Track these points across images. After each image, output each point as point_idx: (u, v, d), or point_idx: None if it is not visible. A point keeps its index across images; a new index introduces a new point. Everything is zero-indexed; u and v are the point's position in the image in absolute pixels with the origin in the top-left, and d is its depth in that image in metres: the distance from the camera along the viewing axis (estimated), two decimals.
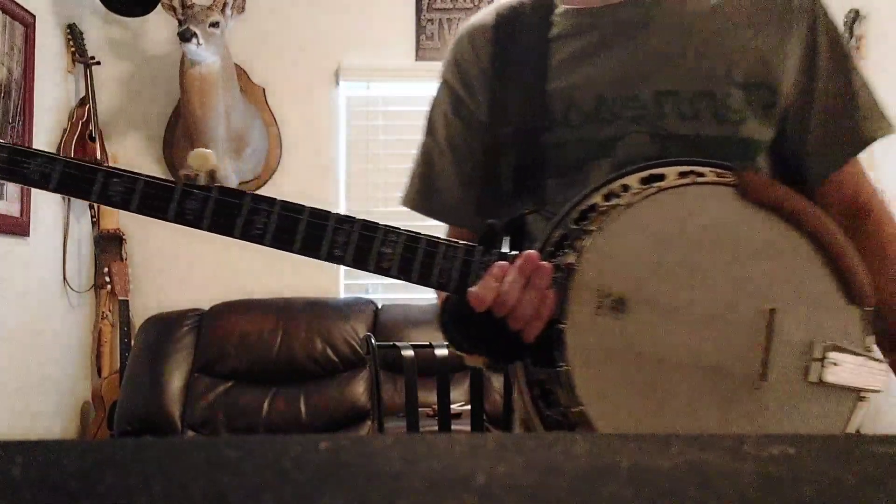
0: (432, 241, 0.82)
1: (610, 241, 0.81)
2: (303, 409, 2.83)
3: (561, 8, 0.98)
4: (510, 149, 0.94)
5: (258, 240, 0.80)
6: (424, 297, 3.20)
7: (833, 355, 0.85)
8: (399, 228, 0.81)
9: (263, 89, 3.27)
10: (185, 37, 2.76)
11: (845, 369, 0.85)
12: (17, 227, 2.67)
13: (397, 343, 2.00)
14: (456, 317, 0.85)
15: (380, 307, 3.12)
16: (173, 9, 2.89)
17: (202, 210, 0.80)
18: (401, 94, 3.38)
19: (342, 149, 3.33)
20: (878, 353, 0.88)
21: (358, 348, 2.91)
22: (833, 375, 0.84)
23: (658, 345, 0.80)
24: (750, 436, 0.31)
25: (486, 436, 0.31)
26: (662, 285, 0.81)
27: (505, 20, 1.00)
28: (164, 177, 0.83)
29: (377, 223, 0.81)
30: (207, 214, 0.80)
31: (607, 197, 0.83)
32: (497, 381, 2.81)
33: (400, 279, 0.81)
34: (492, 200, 0.97)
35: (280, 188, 3.27)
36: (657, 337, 0.80)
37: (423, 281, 0.81)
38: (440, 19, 3.34)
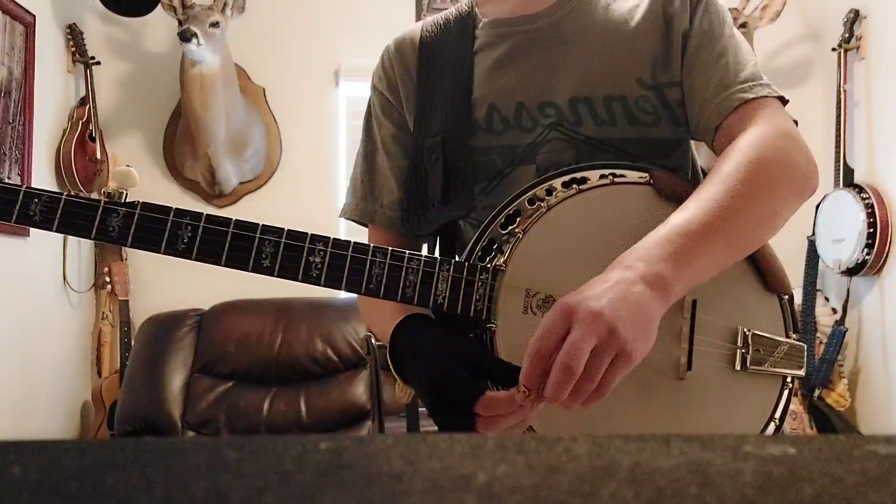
0: (359, 247, 0.82)
1: (534, 242, 0.84)
2: (303, 409, 2.83)
3: (482, 20, 1.02)
4: (437, 156, 0.97)
5: (185, 255, 0.81)
6: None
7: (756, 342, 0.87)
8: (327, 237, 0.82)
9: (263, 89, 3.27)
10: (185, 37, 2.77)
11: (769, 356, 0.87)
12: (18, 227, 2.67)
13: None
14: (434, 372, 0.80)
15: None
16: (173, 9, 2.89)
17: (126, 227, 0.80)
18: None
19: (342, 149, 3.33)
20: (797, 337, 0.90)
21: (358, 348, 2.91)
22: (757, 363, 0.87)
23: None
24: (751, 435, 0.31)
25: (486, 436, 0.31)
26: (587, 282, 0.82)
27: (430, 34, 1.05)
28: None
29: (304, 232, 0.82)
30: (131, 231, 0.80)
31: (531, 201, 0.86)
32: None
33: (329, 287, 0.81)
34: (419, 207, 1.00)
35: (280, 188, 3.27)
36: None
37: (352, 288, 0.82)
38: None
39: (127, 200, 0.82)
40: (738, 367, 0.86)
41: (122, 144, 3.22)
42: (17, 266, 2.70)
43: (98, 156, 3.07)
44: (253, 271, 0.81)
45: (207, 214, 0.82)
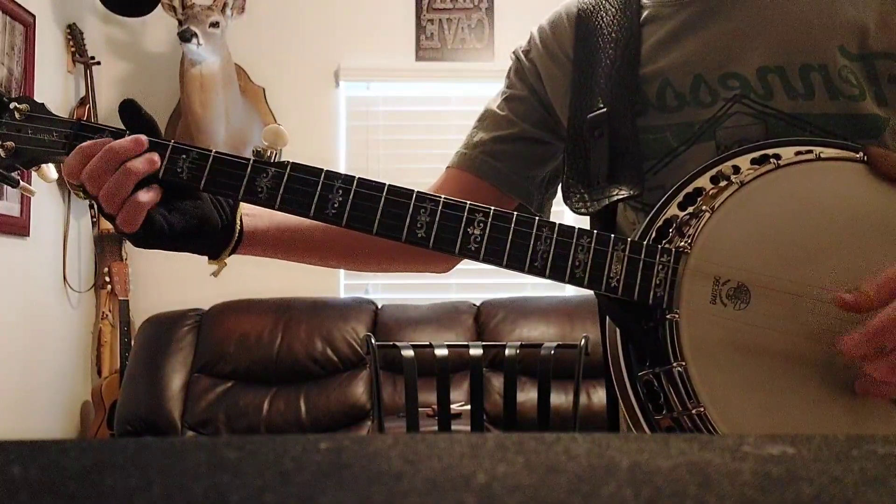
0: (523, 220, 0.74)
1: (724, 223, 0.72)
2: (303, 409, 2.83)
3: None
4: (602, 133, 0.88)
5: (335, 220, 0.75)
6: (424, 297, 3.20)
7: None
8: (488, 208, 0.75)
9: (263, 89, 3.27)
10: (185, 37, 2.77)
11: None
12: (17, 227, 2.67)
13: (397, 343, 2.00)
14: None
15: (380, 307, 3.12)
16: (173, 9, 2.90)
17: (275, 188, 0.75)
18: (401, 94, 3.39)
19: (342, 149, 3.33)
20: None
21: (358, 348, 2.91)
22: None
23: (783, 337, 0.71)
24: (750, 435, 0.31)
25: (486, 436, 0.31)
26: (786, 271, 0.72)
27: (588, 7, 0.97)
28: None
29: (463, 202, 0.75)
30: (280, 193, 0.75)
31: (714, 179, 0.76)
32: (497, 381, 2.81)
33: (487, 263, 0.74)
34: (580, 184, 0.91)
35: None
36: (782, 329, 0.71)
37: (514, 265, 0.74)
38: (440, 19, 3.34)
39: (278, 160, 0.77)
40: None
41: None
42: (17, 266, 2.70)
43: None
44: (406, 242, 0.74)
45: (359, 178, 0.76)
